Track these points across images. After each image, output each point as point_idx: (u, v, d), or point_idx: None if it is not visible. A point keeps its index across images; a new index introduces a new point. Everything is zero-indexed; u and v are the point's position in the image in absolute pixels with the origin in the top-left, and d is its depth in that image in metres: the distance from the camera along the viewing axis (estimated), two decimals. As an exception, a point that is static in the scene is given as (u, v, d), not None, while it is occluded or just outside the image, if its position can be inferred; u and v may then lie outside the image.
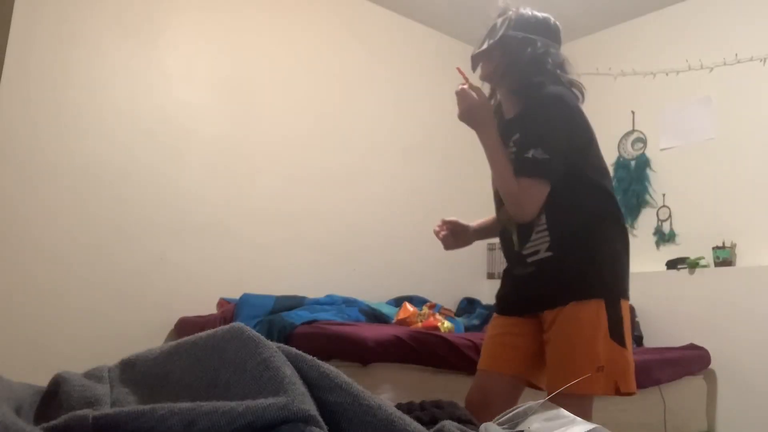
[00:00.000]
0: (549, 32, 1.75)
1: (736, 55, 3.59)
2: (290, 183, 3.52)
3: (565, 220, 1.65)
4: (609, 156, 4.04)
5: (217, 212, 3.23)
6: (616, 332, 1.59)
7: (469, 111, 1.69)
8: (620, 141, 4.04)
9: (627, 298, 1.66)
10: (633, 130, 4.01)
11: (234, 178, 3.32)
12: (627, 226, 1.75)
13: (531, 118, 1.66)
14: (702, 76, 3.73)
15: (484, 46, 1.75)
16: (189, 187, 3.15)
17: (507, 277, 1.83)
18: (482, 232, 1.98)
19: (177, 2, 3.22)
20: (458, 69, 1.74)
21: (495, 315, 1.86)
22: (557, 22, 1.78)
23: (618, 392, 1.58)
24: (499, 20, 1.74)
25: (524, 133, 1.66)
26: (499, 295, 1.85)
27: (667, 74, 3.89)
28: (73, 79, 2.86)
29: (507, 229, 1.77)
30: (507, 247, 1.79)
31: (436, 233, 1.93)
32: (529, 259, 1.69)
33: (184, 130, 3.17)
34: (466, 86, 1.69)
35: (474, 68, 1.79)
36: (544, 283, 1.67)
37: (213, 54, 3.32)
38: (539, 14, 1.76)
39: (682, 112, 3.81)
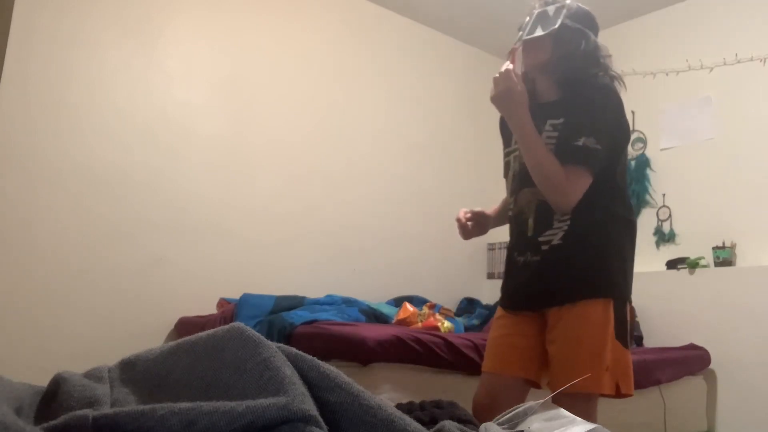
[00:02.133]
0: (595, 27, 1.73)
1: (736, 55, 3.59)
2: (290, 183, 3.52)
3: (587, 216, 1.62)
4: (609, 156, 4.05)
5: (216, 212, 3.23)
6: (620, 333, 1.59)
7: (508, 93, 1.62)
8: (620, 141, 4.04)
9: (631, 301, 1.67)
10: (633, 130, 4.01)
11: (234, 178, 3.32)
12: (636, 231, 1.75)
13: (583, 106, 1.62)
14: (702, 76, 3.73)
15: (537, 31, 1.68)
16: (189, 186, 3.15)
17: (512, 268, 1.78)
18: (498, 218, 1.94)
19: (177, 2, 3.22)
20: (512, 51, 1.68)
21: (500, 311, 1.81)
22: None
23: (618, 393, 1.58)
24: (551, 8, 1.68)
25: (573, 119, 1.62)
26: (507, 291, 1.80)
27: (667, 74, 3.89)
28: (73, 79, 2.86)
29: (524, 212, 1.72)
30: (520, 232, 1.73)
31: (461, 222, 1.87)
32: (543, 247, 1.65)
33: (183, 129, 3.17)
34: (511, 68, 1.64)
35: (510, 55, 1.73)
36: (552, 276, 1.64)
37: (212, 54, 3.32)
38: (584, 6, 1.74)
39: (682, 112, 3.81)
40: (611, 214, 1.66)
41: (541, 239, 1.66)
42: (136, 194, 2.99)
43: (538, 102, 1.72)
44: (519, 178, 1.73)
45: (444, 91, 4.36)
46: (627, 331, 1.62)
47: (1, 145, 2.65)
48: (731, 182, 3.51)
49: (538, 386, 1.74)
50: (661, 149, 3.87)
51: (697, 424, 3.18)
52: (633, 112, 4.02)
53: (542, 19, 1.69)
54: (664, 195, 3.81)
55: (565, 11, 1.66)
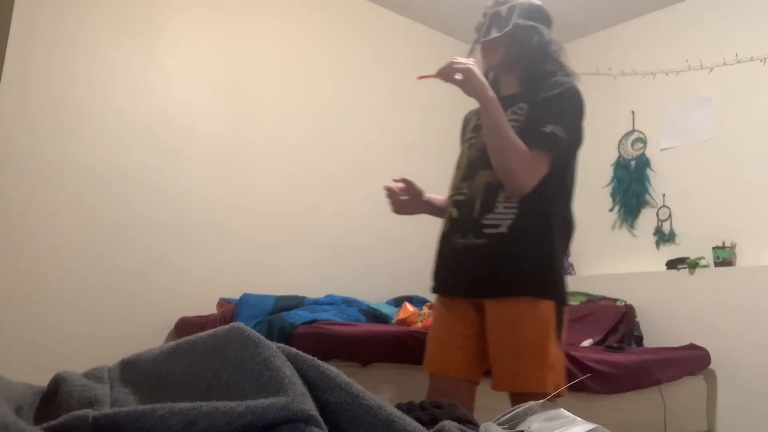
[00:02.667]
0: (548, 20, 1.78)
1: (736, 55, 3.59)
2: (290, 183, 3.52)
3: (536, 210, 1.63)
4: (609, 156, 4.06)
5: (216, 212, 3.23)
6: (559, 335, 1.63)
7: (479, 76, 1.62)
8: (620, 141, 4.04)
9: (567, 303, 1.70)
10: (633, 130, 4.01)
11: (234, 178, 3.32)
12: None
13: (553, 98, 1.64)
14: (702, 76, 3.73)
15: (493, 33, 1.72)
16: (189, 186, 3.15)
17: (450, 250, 1.75)
18: (433, 207, 1.93)
19: (177, 2, 3.22)
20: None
21: (437, 305, 1.80)
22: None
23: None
24: (504, 8, 1.73)
25: (540, 107, 1.64)
26: (444, 274, 1.77)
27: (667, 74, 3.89)
28: (73, 79, 2.86)
29: (475, 195, 1.70)
30: (466, 213, 1.70)
31: (391, 191, 1.87)
32: (486, 230, 1.64)
33: (183, 129, 3.17)
34: (471, 60, 1.65)
35: (470, 55, 1.77)
36: (500, 267, 1.63)
37: (212, 54, 3.32)
38: (535, 1, 1.78)
39: (682, 112, 3.81)
40: (559, 214, 1.68)
41: (484, 222, 1.65)
42: (136, 194, 2.99)
43: (500, 95, 1.74)
44: (478, 163, 1.73)
45: (444, 90, 4.35)
46: (562, 333, 1.65)
47: (1, 145, 2.65)
48: (731, 182, 3.52)
49: (477, 383, 1.75)
50: (661, 149, 3.87)
51: (697, 424, 3.18)
52: (633, 112, 4.02)
53: (496, 20, 1.73)
54: (664, 195, 3.81)
55: (517, 10, 1.71)
